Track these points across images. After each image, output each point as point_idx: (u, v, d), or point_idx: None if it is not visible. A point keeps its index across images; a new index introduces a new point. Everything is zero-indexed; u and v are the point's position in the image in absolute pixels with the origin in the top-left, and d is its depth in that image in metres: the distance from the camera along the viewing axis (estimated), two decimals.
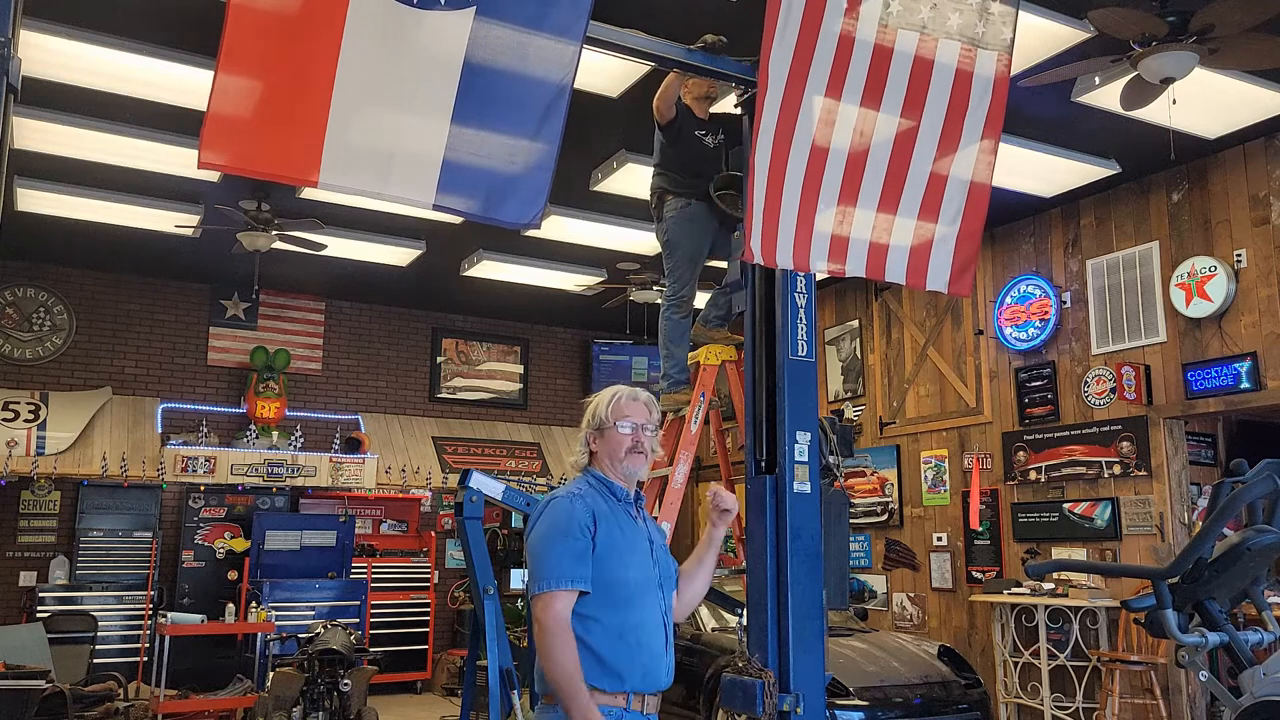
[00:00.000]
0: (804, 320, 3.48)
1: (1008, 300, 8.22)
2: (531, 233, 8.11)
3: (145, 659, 8.33)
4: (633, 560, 2.54)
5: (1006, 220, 8.23)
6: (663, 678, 2.58)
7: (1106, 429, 7.41)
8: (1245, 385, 6.60)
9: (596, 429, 2.68)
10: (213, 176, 7.04)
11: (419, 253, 8.71)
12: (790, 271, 3.46)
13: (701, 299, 5.11)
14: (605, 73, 5.49)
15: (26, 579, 8.94)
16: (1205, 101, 5.97)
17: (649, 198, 5.12)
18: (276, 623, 8.27)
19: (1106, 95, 5.70)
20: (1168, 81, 4.99)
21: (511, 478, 9.19)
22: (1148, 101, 5.31)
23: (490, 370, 11.52)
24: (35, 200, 7.47)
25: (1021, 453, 8.02)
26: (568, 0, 2.85)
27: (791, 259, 3.26)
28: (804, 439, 3.42)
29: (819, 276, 3.73)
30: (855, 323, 9.84)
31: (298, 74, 2.62)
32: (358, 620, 9.05)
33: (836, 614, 7.12)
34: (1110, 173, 7.15)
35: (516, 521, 10.18)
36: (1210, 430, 7.88)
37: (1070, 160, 6.91)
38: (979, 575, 8.23)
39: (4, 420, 8.68)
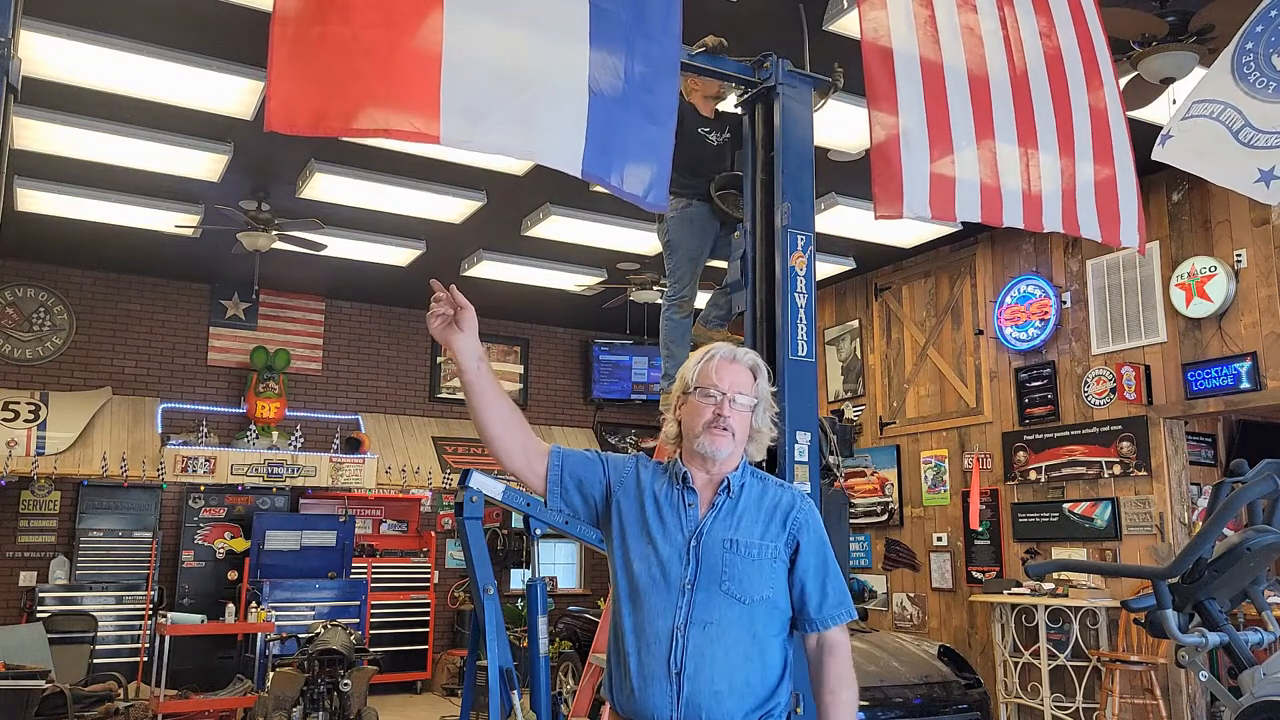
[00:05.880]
0: (804, 320, 3.47)
1: (1008, 300, 8.22)
2: (531, 232, 8.12)
3: (145, 659, 8.32)
4: (647, 550, 2.12)
5: None
6: (658, 708, 2.02)
7: (1106, 429, 7.41)
8: (1245, 385, 6.60)
9: (683, 393, 2.22)
10: (213, 176, 7.05)
11: (419, 253, 8.70)
12: (791, 271, 3.46)
13: (702, 299, 5.10)
14: None
15: (26, 579, 8.93)
16: None
17: None
18: (276, 623, 8.27)
19: None
20: (1168, 81, 4.99)
21: (511, 478, 9.19)
22: (1148, 101, 5.31)
23: None
24: (35, 200, 7.47)
25: (1021, 453, 8.01)
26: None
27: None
28: (804, 439, 3.41)
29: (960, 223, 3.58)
30: (855, 323, 9.84)
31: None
32: (358, 620, 9.05)
33: None
34: None
35: (516, 521, 10.19)
36: (1210, 430, 7.88)
37: None
38: (979, 575, 8.23)
39: (4, 420, 8.67)
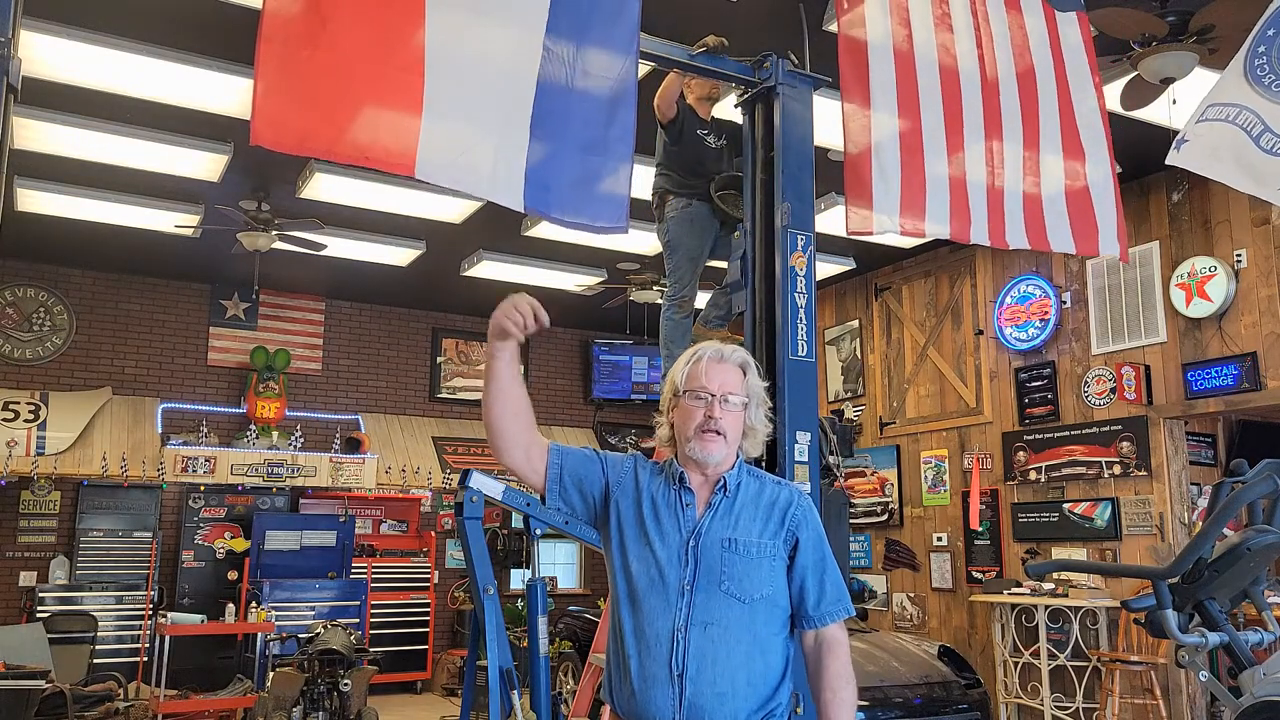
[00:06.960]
0: (804, 320, 3.47)
1: (1008, 300, 8.22)
2: (532, 232, 8.12)
3: (145, 659, 8.32)
4: (645, 551, 2.10)
5: None
6: (660, 710, 2.00)
7: (1106, 429, 7.40)
8: (1245, 385, 6.60)
9: (673, 396, 2.20)
10: (213, 176, 7.05)
11: (419, 253, 8.70)
12: (791, 271, 3.46)
13: (702, 299, 5.10)
14: None
15: (26, 579, 8.93)
16: None
17: (650, 198, 5.12)
18: (276, 623, 8.26)
19: (1107, 95, 5.68)
20: (1168, 81, 4.99)
21: (511, 478, 9.19)
22: (1148, 101, 5.31)
23: None
24: (35, 200, 7.47)
25: (1021, 453, 8.01)
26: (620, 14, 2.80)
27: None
28: (804, 439, 3.41)
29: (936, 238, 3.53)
30: (855, 323, 9.84)
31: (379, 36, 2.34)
32: (358, 620, 9.05)
33: None
34: None
35: (516, 521, 10.18)
36: (1210, 430, 7.88)
37: None
38: (979, 575, 8.22)
39: (4, 420, 8.67)
